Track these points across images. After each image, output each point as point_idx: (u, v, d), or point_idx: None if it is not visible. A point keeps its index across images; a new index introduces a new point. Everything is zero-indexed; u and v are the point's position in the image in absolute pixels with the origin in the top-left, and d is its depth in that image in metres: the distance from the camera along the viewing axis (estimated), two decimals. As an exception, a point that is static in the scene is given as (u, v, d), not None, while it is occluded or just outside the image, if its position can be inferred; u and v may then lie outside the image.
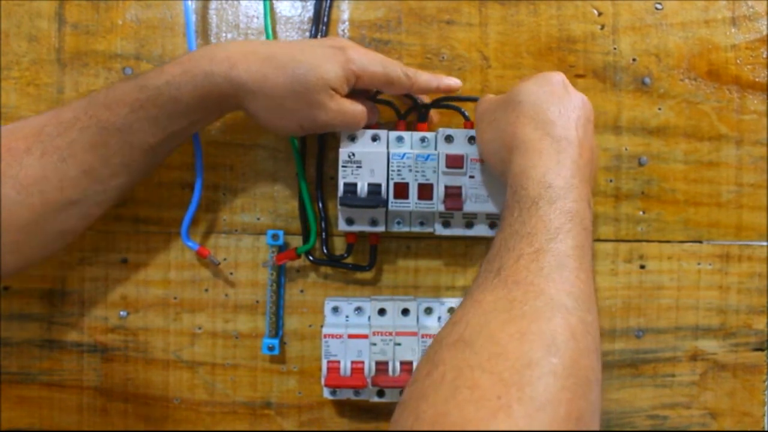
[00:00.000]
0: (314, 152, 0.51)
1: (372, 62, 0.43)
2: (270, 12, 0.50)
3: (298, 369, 0.52)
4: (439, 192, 0.46)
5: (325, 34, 0.51)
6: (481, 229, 0.48)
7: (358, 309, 0.50)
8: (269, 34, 0.49)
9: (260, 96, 0.41)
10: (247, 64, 0.41)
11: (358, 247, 0.51)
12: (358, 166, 0.46)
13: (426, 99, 0.49)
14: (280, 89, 0.41)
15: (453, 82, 0.47)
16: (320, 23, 0.51)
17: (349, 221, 0.48)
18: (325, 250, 0.51)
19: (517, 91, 0.41)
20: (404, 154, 0.46)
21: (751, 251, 0.54)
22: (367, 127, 0.47)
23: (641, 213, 0.53)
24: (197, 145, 0.48)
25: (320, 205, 0.50)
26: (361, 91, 0.45)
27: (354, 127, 0.45)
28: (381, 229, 0.48)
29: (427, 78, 0.46)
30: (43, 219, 0.40)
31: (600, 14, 0.52)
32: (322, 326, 0.50)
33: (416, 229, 0.48)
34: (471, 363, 0.29)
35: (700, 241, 0.53)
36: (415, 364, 0.47)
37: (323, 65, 0.41)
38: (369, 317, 0.50)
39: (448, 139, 0.47)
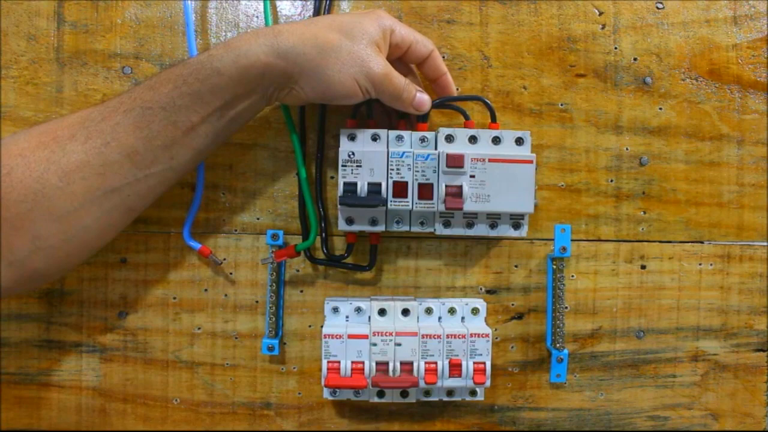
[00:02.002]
0: (314, 152, 0.51)
1: (399, 23, 0.45)
2: (271, 11, 0.49)
3: (297, 369, 0.52)
4: (439, 191, 0.46)
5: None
6: (481, 229, 0.48)
7: (358, 309, 0.50)
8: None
9: (313, 55, 0.41)
10: (293, 30, 0.42)
11: (358, 247, 0.51)
12: (357, 166, 0.46)
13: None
14: (332, 45, 0.42)
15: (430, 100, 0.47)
16: (320, 22, 0.51)
17: (349, 221, 0.48)
18: (325, 250, 0.50)
19: None
20: (404, 153, 0.46)
21: (752, 251, 0.54)
22: (423, 117, 0.47)
23: (642, 213, 0.53)
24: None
25: (320, 204, 0.50)
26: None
27: (402, 94, 0.45)
28: (381, 228, 0.48)
29: (442, 68, 0.48)
30: (84, 208, 0.40)
31: (601, 14, 0.52)
32: (322, 326, 0.50)
33: (416, 228, 0.48)
34: None
35: (701, 242, 0.53)
36: (415, 365, 0.47)
37: (362, 22, 0.43)
38: (369, 317, 0.50)
39: (449, 138, 0.47)
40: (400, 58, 0.46)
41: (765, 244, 0.54)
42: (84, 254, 0.43)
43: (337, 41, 0.42)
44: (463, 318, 0.50)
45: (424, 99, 0.46)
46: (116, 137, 0.40)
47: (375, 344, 0.47)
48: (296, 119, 0.50)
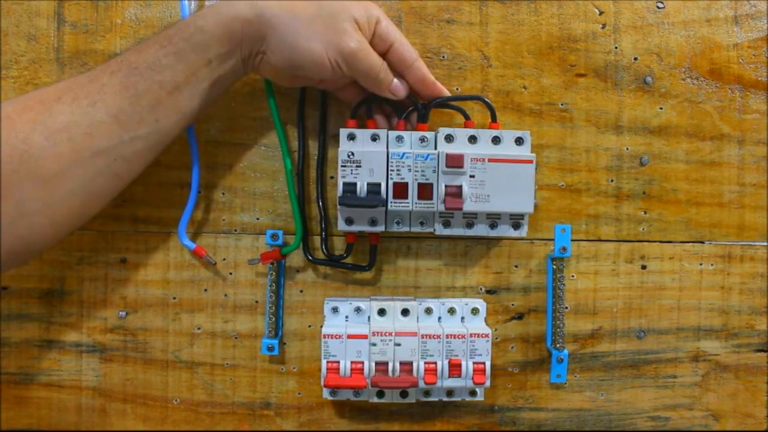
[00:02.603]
0: (314, 152, 0.51)
1: (389, 20, 0.45)
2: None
3: (297, 369, 0.52)
4: (439, 191, 0.46)
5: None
6: (481, 229, 0.48)
7: (358, 309, 0.50)
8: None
9: (286, 18, 0.42)
10: None
11: (357, 247, 0.51)
12: (357, 166, 0.46)
13: None
14: (307, 13, 0.42)
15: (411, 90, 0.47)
16: (320, 22, 0.50)
17: (349, 221, 0.47)
18: (324, 250, 0.50)
19: None
20: (403, 154, 0.46)
21: (753, 251, 0.53)
22: (403, 103, 0.47)
23: (643, 213, 0.53)
24: (192, 141, 0.49)
25: (320, 204, 0.50)
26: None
27: (378, 74, 0.45)
28: (381, 228, 0.48)
29: (430, 78, 0.47)
30: (71, 171, 0.40)
31: (601, 13, 0.52)
32: (321, 326, 0.50)
33: (416, 229, 0.48)
34: None
35: (702, 242, 0.53)
36: (415, 365, 0.47)
37: (349, 3, 0.43)
38: (369, 317, 0.49)
39: (449, 138, 0.47)
40: (385, 58, 0.46)
41: (766, 244, 0.53)
42: (69, 223, 0.42)
43: (314, 12, 0.43)
44: (462, 318, 0.50)
45: (400, 85, 0.46)
46: (103, 97, 0.40)
47: (374, 344, 0.47)
48: (296, 119, 0.50)
